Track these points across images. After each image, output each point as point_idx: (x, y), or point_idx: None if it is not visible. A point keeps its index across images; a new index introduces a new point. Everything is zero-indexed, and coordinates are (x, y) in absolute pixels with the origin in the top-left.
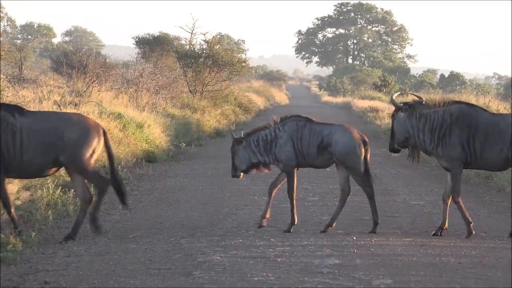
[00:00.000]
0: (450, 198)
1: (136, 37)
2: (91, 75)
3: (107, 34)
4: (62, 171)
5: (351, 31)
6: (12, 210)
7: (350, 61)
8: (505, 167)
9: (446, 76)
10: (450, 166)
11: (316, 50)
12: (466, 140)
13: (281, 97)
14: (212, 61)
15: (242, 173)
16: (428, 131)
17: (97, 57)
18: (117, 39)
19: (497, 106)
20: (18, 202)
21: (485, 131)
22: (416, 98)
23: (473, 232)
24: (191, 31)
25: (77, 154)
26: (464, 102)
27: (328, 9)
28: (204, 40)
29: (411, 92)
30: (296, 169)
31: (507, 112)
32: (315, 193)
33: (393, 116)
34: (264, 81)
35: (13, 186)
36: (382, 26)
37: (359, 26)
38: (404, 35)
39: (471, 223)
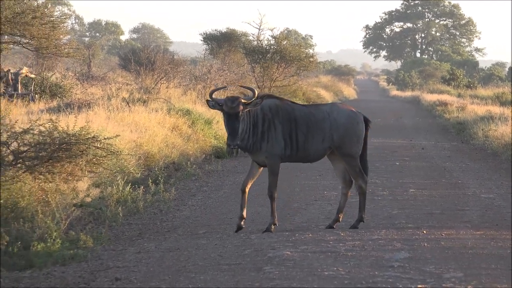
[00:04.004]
0: (249, 188)
1: (204, 34)
2: (159, 72)
3: (175, 31)
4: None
5: (418, 25)
6: None
7: (418, 55)
8: (322, 156)
9: None
10: (269, 161)
11: (384, 44)
12: (289, 133)
13: (349, 91)
14: (280, 57)
15: None
16: (251, 125)
17: (165, 54)
18: (185, 36)
19: None
20: (88, 199)
21: (306, 123)
22: (249, 91)
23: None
24: (258, 27)
25: None
26: (275, 96)
27: (395, 4)
28: (271, 36)
29: (240, 85)
30: None
31: None
32: (384, 187)
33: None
34: (332, 76)
35: (83, 184)
36: (450, 20)
37: (426, 20)
38: (472, 28)
39: (275, 222)
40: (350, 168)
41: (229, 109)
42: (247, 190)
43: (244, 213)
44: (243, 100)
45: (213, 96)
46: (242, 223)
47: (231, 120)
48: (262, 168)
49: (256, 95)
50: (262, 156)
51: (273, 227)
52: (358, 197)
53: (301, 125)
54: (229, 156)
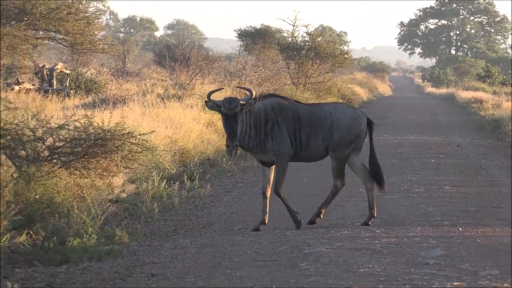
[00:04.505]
0: (270, 192)
1: (239, 30)
2: (194, 68)
3: (209, 27)
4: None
5: (453, 22)
6: None
7: (453, 52)
8: (324, 156)
9: None
10: (278, 159)
11: (419, 41)
12: (293, 132)
13: (384, 88)
14: (315, 53)
15: None
16: (253, 125)
17: (200, 50)
18: (219, 32)
19: None
20: (124, 195)
21: (309, 122)
22: (247, 92)
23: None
24: (293, 24)
25: None
26: (277, 95)
27: (430, 1)
28: (306, 32)
29: (237, 86)
30: None
31: None
32: (420, 185)
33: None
34: (367, 72)
35: (118, 179)
36: (485, 17)
37: (461, 17)
38: (506, 25)
39: (297, 217)
40: (336, 167)
41: (227, 110)
42: (268, 194)
43: (266, 219)
44: (241, 101)
45: (211, 97)
46: (261, 227)
47: (229, 121)
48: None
49: (254, 96)
50: (269, 155)
51: (299, 220)
52: (329, 194)
53: (304, 124)
54: (228, 157)
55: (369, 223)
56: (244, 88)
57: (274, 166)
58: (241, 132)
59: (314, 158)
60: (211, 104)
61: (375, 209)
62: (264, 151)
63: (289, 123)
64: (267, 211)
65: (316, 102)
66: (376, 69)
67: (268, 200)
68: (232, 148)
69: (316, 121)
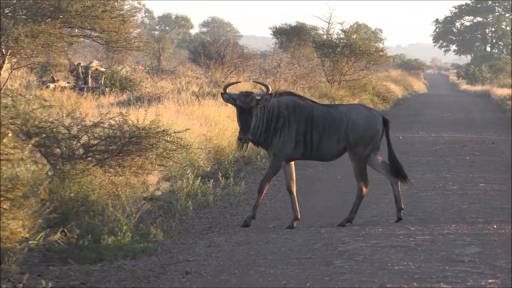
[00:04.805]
0: (295, 187)
1: (274, 28)
2: (229, 66)
3: (244, 24)
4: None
5: (489, 19)
6: None
7: (488, 49)
8: (337, 156)
9: None
10: (274, 158)
11: (454, 38)
12: (304, 132)
13: (419, 86)
14: (350, 51)
15: None
16: (265, 121)
17: (235, 47)
18: (254, 30)
19: None
20: (158, 193)
21: (323, 123)
22: (263, 87)
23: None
24: (328, 21)
25: None
26: (294, 93)
27: None
28: (341, 30)
29: (254, 80)
30: None
31: None
32: (454, 182)
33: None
34: (402, 70)
35: (153, 177)
36: None
37: (497, 14)
38: None
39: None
40: (357, 168)
41: (243, 104)
42: (293, 190)
43: (298, 214)
44: (256, 96)
45: (227, 90)
46: (295, 224)
47: (244, 114)
48: (293, 163)
49: (270, 91)
50: (271, 152)
51: (249, 224)
52: (355, 198)
53: (318, 124)
54: (239, 150)
55: (402, 217)
56: (261, 83)
57: (292, 162)
58: (254, 126)
59: (327, 158)
60: (227, 97)
61: (401, 201)
62: (269, 147)
63: (301, 124)
64: (297, 207)
65: (351, 99)
66: (411, 66)
67: (294, 196)
68: (244, 141)
69: (331, 122)
